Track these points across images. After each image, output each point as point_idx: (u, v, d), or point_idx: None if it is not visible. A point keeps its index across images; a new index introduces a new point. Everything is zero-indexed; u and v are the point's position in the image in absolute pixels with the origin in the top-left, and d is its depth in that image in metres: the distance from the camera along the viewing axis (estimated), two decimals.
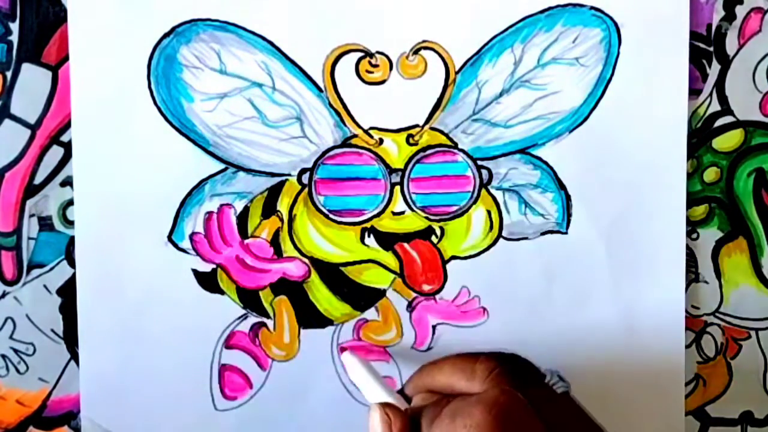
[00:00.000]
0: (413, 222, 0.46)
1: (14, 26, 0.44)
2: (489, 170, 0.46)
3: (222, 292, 0.46)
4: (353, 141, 0.45)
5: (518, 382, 0.36)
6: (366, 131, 0.45)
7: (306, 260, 0.46)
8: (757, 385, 0.49)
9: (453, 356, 0.40)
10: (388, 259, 0.46)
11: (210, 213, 0.45)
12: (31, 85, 0.44)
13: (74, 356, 0.45)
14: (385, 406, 0.38)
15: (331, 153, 0.45)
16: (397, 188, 0.46)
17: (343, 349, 0.46)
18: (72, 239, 0.45)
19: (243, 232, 0.46)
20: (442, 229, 0.46)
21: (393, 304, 0.46)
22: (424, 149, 0.45)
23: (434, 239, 0.46)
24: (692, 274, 0.48)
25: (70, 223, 0.45)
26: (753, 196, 0.48)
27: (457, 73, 0.45)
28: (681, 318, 0.47)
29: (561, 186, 0.46)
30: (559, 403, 0.37)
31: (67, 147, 0.44)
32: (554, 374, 0.38)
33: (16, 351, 0.45)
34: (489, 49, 0.45)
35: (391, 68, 0.45)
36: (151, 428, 0.46)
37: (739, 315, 0.49)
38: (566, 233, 0.46)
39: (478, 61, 0.45)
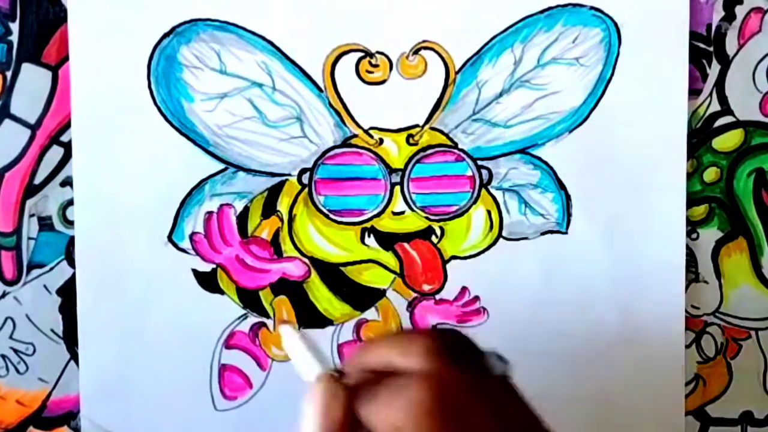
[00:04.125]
0: (413, 222, 0.46)
1: (14, 26, 0.44)
2: (489, 170, 0.46)
3: (222, 292, 0.46)
4: (353, 141, 0.45)
5: (456, 359, 0.34)
6: (366, 131, 0.45)
7: (306, 260, 0.46)
8: (757, 385, 0.49)
9: (391, 333, 0.38)
10: (388, 259, 0.46)
11: (210, 213, 0.45)
12: (31, 85, 0.44)
13: (74, 356, 0.45)
14: (337, 378, 0.35)
15: (331, 153, 0.45)
16: (397, 188, 0.46)
17: (282, 322, 0.45)
18: (72, 239, 0.45)
19: (243, 232, 0.45)
20: (442, 229, 0.46)
21: (393, 304, 0.46)
22: (424, 149, 0.45)
23: (434, 239, 0.46)
24: (692, 274, 0.48)
25: (70, 223, 0.45)
26: (753, 196, 0.48)
27: (457, 73, 0.45)
28: (681, 318, 0.47)
29: (561, 186, 0.46)
30: (497, 384, 0.34)
31: (67, 147, 0.44)
32: (492, 354, 0.36)
33: (16, 351, 0.45)
34: (489, 49, 0.45)
35: (391, 68, 0.45)
36: (151, 428, 0.46)
37: (739, 315, 0.49)
38: (566, 233, 0.46)
39: (478, 61, 0.45)
